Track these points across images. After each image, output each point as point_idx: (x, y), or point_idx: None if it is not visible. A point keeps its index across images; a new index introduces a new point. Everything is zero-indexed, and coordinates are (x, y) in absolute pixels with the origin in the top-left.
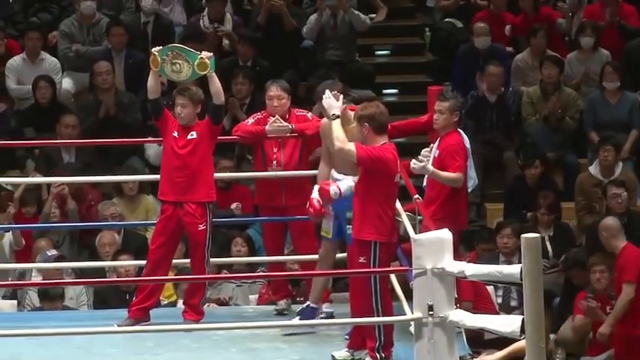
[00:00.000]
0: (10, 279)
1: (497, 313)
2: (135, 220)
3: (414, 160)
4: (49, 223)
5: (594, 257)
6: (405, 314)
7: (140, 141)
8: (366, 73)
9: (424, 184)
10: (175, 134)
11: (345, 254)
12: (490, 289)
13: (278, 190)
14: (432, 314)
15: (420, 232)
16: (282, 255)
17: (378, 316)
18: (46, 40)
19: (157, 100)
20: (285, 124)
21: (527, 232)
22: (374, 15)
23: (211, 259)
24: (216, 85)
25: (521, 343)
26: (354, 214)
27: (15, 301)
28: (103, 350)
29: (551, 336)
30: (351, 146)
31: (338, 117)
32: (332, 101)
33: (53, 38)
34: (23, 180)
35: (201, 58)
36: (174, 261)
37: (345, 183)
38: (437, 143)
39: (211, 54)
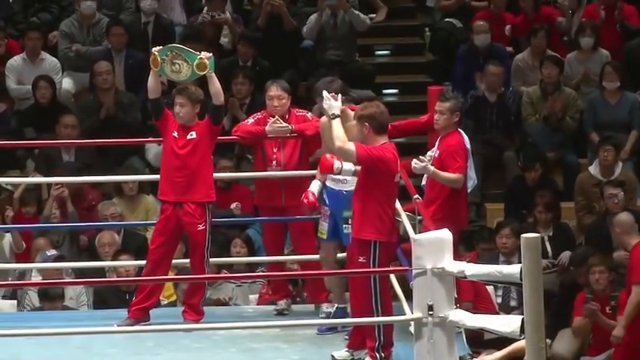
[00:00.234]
0: (10, 279)
1: (497, 313)
2: (135, 220)
3: (415, 160)
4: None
5: (593, 258)
6: (404, 314)
7: (140, 141)
8: (366, 73)
9: (423, 183)
10: (175, 134)
11: (344, 254)
12: (490, 289)
13: (278, 190)
14: (431, 314)
15: (419, 232)
16: (282, 255)
17: (378, 315)
18: (46, 40)
19: (158, 100)
20: (285, 124)
21: (527, 232)
22: (374, 15)
23: (211, 259)
24: (215, 85)
25: (520, 343)
26: (353, 213)
27: (15, 301)
28: (103, 350)
29: (548, 341)
30: (351, 146)
31: (338, 116)
32: (331, 101)
33: (53, 38)
34: (23, 180)
35: (201, 58)
36: (174, 261)
37: (348, 164)
38: (437, 143)
39: (210, 54)
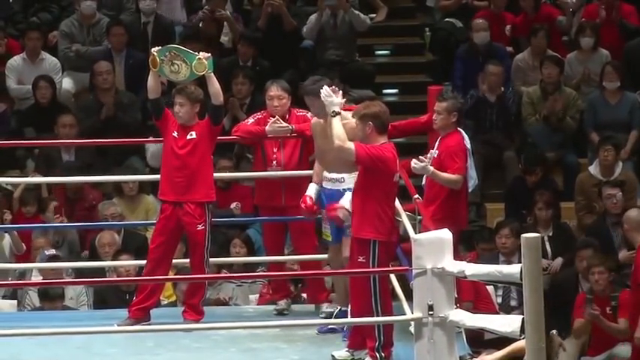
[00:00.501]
0: (10, 279)
1: (498, 313)
2: (135, 220)
3: (414, 160)
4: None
5: (593, 259)
6: (405, 314)
7: (140, 141)
8: (366, 73)
9: (423, 182)
10: (175, 134)
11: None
12: (490, 289)
13: (278, 190)
14: (432, 314)
15: (419, 232)
16: (282, 255)
17: (378, 315)
18: (46, 40)
19: (158, 100)
20: (285, 124)
21: (527, 233)
22: (374, 15)
23: (211, 259)
24: (214, 85)
25: (521, 343)
26: (353, 213)
27: (15, 301)
28: (103, 350)
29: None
30: (350, 145)
31: (338, 114)
32: (332, 99)
33: (53, 38)
34: (23, 180)
35: (199, 58)
36: (174, 261)
37: (347, 198)
38: (437, 144)
39: (209, 55)
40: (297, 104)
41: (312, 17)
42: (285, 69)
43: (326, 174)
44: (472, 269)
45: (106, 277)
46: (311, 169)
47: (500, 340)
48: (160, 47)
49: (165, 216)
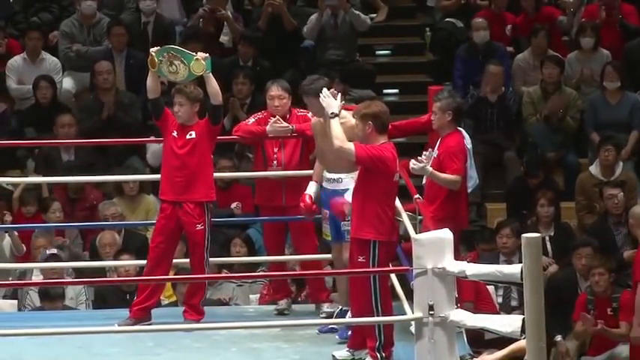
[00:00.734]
0: (10, 279)
1: (498, 313)
2: (135, 220)
3: (413, 161)
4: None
5: (593, 260)
6: (405, 314)
7: (140, 141)
8: (366, 73)
9: (423, 182)
10: (175, 134)
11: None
12: (490, 288)
13: (278, 190)
14: (432, 314)
15: (420, 232)
16: (283, 254)
17: (378, 315)
18: (46, 39)
19: (157, 100)
20: (286, 124)
21: (528, 232)
22: (374, 15)
23: (211, 259)
24: (212, 85)
25: (521, 343)
26: (352, 213)
27: (15, 301)
28: (104, 350)
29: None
30: (350, 145)
31: (337, 115)
32: (331, 100)
33: (54, 38)
34: (23, 180)
35: (197, 59)
36: (174, 261)
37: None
38: (438, 144)
39: (207, 55)
40: (297, 104)
41: (313, 17)
42: (285, 69)
43: (326, 174)
44: (473, 269)
45: (106, 277)
46: (311, 168)
47: (501, 340)
48: (158, 47)
49: (164, 215)
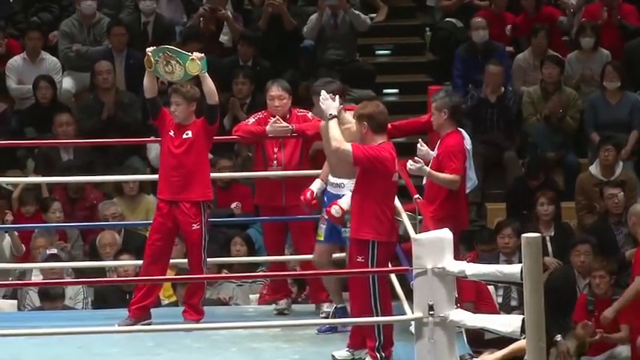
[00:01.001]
0: (10, 279)
1: (498, 313)
2: (135, 219)
3: (410, 161)
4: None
5: (594, 262)
6: (405, 314)
7: (140, 141)
8: (366, 73)
9: (424, 182)
10: (171, 133)
11: (341, 254)
12: (490, 288)
13: (278, 190)
14: (432, 314)
15: (420, 232)
16: (283, 254)
17: (377, 315)
18: (46, 39)
19: (154, 100)
20: (286, 124)
21: (528, 232)
22: (374, 15)
23: (211, 259)
24: (208, 85)
25: (521, 343)
26: (352, 213)
27: (15, 301)
28: (103, 350)
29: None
30: (347, 146)
31: (335, 117)
32: (329, 102)
33: (54, 38)
34: (22, 180)
35: (192, 59)
36: (174, 261)
37: (346, 199)
38: (438, 144)
39: (202, 55)
40: (297, 104)
41: (313, 17)
42: (285, 69)
43: (330, 177)
44: (473, 269)
45: (106, 277)
46: (311, 169)
47: (501, 340)
48: (154, 47)
49: (161, 214)
